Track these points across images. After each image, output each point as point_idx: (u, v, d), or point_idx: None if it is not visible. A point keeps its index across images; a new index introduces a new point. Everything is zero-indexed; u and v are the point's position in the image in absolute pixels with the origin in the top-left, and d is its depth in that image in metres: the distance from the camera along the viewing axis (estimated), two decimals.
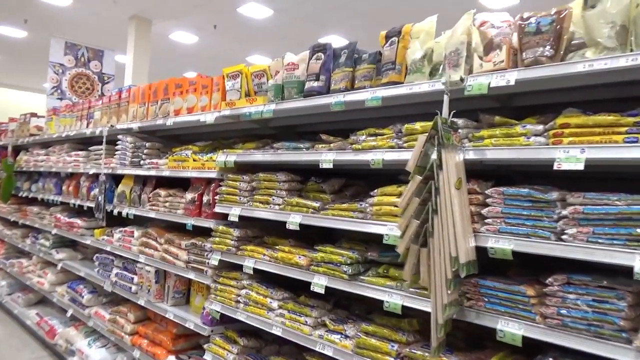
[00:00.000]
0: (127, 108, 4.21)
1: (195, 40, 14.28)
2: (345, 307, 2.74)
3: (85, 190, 4.69)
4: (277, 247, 2.79)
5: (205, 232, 3.32)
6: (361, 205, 2.33)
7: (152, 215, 3.71)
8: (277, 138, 3.16)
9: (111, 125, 4.29)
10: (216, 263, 3.04)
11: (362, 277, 2.30)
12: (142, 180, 4.03)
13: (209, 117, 3.21)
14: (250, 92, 3.07)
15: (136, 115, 4.05)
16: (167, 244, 3.57)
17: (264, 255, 2.77)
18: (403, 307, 2.07)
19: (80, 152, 4.92)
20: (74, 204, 4.93)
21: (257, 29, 13.02)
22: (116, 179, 4.36)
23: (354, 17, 11.55)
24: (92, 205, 4.50)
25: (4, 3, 12.23)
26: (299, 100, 2.62)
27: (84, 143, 5.41)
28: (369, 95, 2.27)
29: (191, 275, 3.26)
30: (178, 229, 3.73)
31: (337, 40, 13.03)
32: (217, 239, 3.05)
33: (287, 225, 2.60)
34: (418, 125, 2.10)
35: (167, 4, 11.51)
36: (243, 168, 3.02)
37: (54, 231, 5.23)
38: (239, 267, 2.96)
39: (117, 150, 4.23)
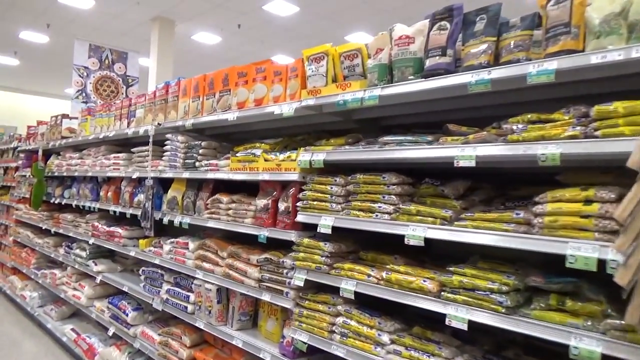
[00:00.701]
0: (176, 103, 3.65)
1: (219, 40, 13.79)
2: (469, 339, 2.14)
3: (127, 196, 4.15)
4: (386, 265, 2.20)
5: (281, 245, 2.75)
6: (518, 215, 1.73)
7: (210, 224, 3.15)
8: (359, 133, 2.58)
9: (158, 124, 3.74)
10: (301, 283, 2.46)
11: (524, 311, 1.70)
12: (196, 185, 3.47)
13: (286, 109, 2.64)
14: (338, 77, 2.49)
15: (188, 110, 3.49)
16: (232, 258, 3.00)
17: (369, 275, 2.18)
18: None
19: (120, 154, 4.38)
20: (114, 212, 4.38)
21: (282, 28, 12.49)
22: (164, 183, 3.80)
23: (376, 14, 10.95)
24: (136, 212, 3.96)
25: (26, 7, 11.82)
26: (418, 82, 2.03)
27: (123, 145, 4.88)
28: (532, 70, 1.67)
29: (266, 297, 2.68)
30: (241, 240, 3.16)
31: (363, 38, 12.47)
32: (301, 254, 2.47)
33: (405, 240, 2.01)
34: (618, 107, 1.50)
35: (190, 3, 11.03)
36: (328, 169, 2.45)
37: (91, 241, 4.70)
38: (329, 289, 2.39)
39: (165, 151, 3.67)
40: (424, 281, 1.98)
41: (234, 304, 3.05)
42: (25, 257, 6.49)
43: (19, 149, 7.21)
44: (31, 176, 6.21)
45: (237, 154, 3.03)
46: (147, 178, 3.77)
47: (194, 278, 3.30)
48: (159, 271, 3.70)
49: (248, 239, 3.15)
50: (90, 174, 4.85)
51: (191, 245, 3.36)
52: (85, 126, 5.13)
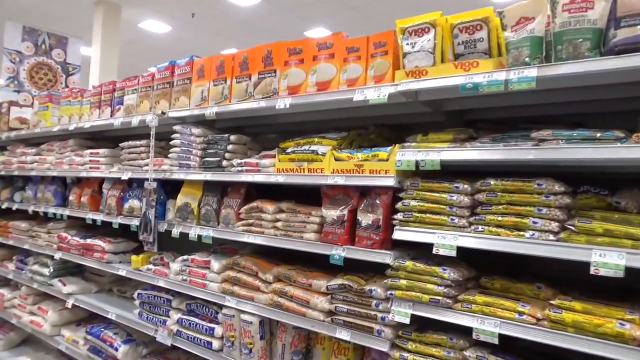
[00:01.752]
0: (187, 87, 2.91)
1: (168, 29, 12.70)
2: None
3: (113, 202, 3.32)
4: (536, 298, 1.67)
5: (356, 267, 2.14)
6: None
7: (247, 239, 2.47)
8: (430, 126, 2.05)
9: (162, 112, 2.97)
10: (406, 320, 1.86)
11: None
12: (219, 189, 2.75)
13: (372, 94, 2.03)
14: (445, 55, 1.92)
15: (207, 96, 2.77)
16: (282, 283, 2.35)
17: (521, 313, 1.63)
18: None
19: (99, 150, 3.53)
20: (93, 220, 3.52)
21: (239, 19, 11.68)
22: (165, 187, 3.04)
23: (342, 11, 10.47)
24: (126, 222, 3.16)
25: None
26: (607, 60, 1.50)
27: (94, 139, 4.00)
28: None
29: (343, 335, 2.06)
30: (287, 259, 2.51)
31: (323, 33, 11.94)
32: (403, 281, 1.88)
33: (592, 268, 1.48)
34: None
35: None
36: (435, 173, 1.89)
37: (58, 255, 3.79)
38: (437, 324, 1.83)
39: (172, 147, 2.92)
40: (621, 324, 1.46)
41: (283, 340, 2.38)
42: None
43: None
44: None
45: (285, 152, 2.37)
46: (146, 180, 2.99)
47: (221, 306, 2.60)
48: (164, 295, 2.93)
49: (295, 258, 2.51)
50: (54, 173, 3.92)
51: (215, 265, 2.65)
52: (46, 115, 4.18)
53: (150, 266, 3.05)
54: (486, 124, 2.10)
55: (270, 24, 11.79)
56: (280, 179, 2.33)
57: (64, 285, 3.72)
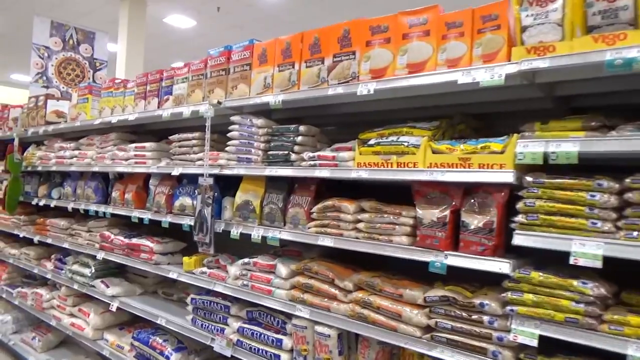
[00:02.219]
0: (247, 74, 2.63)
1: (193, 24, 12.47)
2: None
3: (162, 199, 3.07)
4: None
5: (452, 276, 1.85)
6: None
7: (323, 242, 2.18)
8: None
9: (218, 102, 2.70)
10: (532, 342, 1.56)
11: None
12: (284, 186, 2.48)
13: (483, 76, 1.72)
14: (575, 28, 1.60)
15: (272, 83, 2.49)
16: (364, 292, 2.06)
17: None
18: None
19: (145, 144, 3.28)
20: (140, 219, 3.27)
21: (265, 13, 11.41)
22: (218, 183, 2.78)
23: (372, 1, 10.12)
24: (177, 221, 2.91)
25: None
26: None
27: (136, 132, 3.76)
28: None
29: (446, 356, 1.76)
30: (358, 264, 2.22)
31: None
32: (528, 295, 1.58)
33: None
34: None
35: None
36: (559, 168, 1.58)
37: (100, 255, 3.56)
38: (563, 347, 1.52)
39: (230, 140, 2.65)
40: None
41: (366, 356, 2.10)
42: None
43: None
44: (4, 172, 4.91)
45: (369, 144, 2.08)
46: (200, 176, 2.72)
47: (289, 316, 2.32)
48: (221, 301, 2.67)
49: (359, 263, 2.23)
50: (95, 169, 3.69)
51: (282, 270, 2.37)
52: (85, 108, 3.95)
53: (205, 269, 2.78)
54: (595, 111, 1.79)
55: (295, 17, 11.48)
56: (363, 174, 2.04)
57: (107, 286, 3.49)
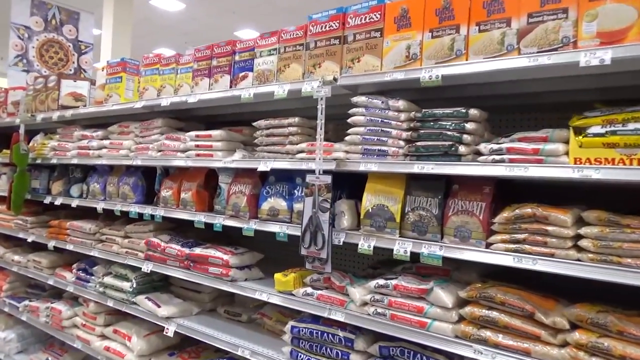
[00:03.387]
0: (376, 42, 2.01)
1: (182, 7, 11.60)
2: None
3: (243, 201, 2.41)
4: None
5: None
6: None
7: (520, 263, 1.60)
8: None
9: (334, 78, 2.06)
10: None
11: None
12: (439, 187, 1.88)
13: None
14: None
15: (420, 53, 1.88)
16: (588, 332, 1.49)
17: None
18: None
19: (212, 132, 2.60)
20: (206, 223, 2.60)
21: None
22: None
23: None
24: (259, 227, 2.27)
25: None
26: None
27: (181, 119, 3.08)
28: None
29: None
30: (530, 286, 1.67)
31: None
32: None
33: None
34: None
35: None
36: None
37: (147, 267, 2.87)
38: None
39: (355, 127, 2.03)
40: None
41: None
42: None
43: None
44: (8, 165, 4.10)
45: (593, 132, 1.50)
46: (310, 172, 2.09)
47: (452, 356, 1.74)
48: (339, 333, 2.05)
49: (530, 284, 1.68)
50: (137, 162, 2.98)
51: (443, 296, 1.78)
52: (119, 89, 3.21)
53: (310, 290, 2.16)
54: None
55: (292, 2, 10.76)
56: (592, 174, 1.46)
57: (157, 305, 2.81)
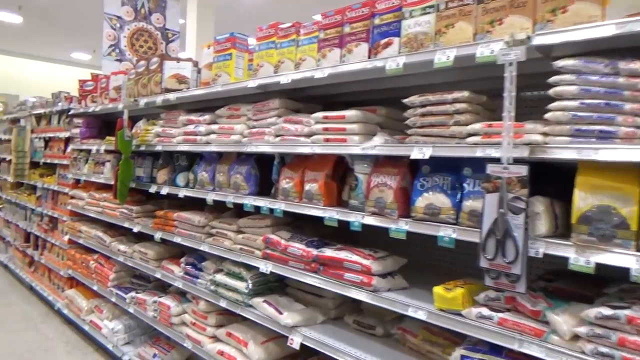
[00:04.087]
0: None
1: None
2: None
3: (390, 196, 1.96)
4: None
5: None
6: None
7: None
8: None
9: (527, 37, 1.53)
10: None
11: None
12: None
13: None
14: None
15: None
16: None
17: None
18: None
19: (346, 113, 2.17)
20: (345, 221, 2.18)
21: None
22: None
23: None
24: (412, 229, 1.81)
25: None
26: None
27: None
28: None
29: None
30: None
31: None
32: None
33: None
34: None
35: None
36: None
37: (266, 267, 2.52)
38: None
39: (560, 100, 1.49)
40: None
41: None
42: (95, 268, 4.27)
43: (71, 112, 4.87)
44: (114, 154, 3.97)
45: None
46: (494, 161, 1.59)
47: None
48: None
49: None
50: (252, 148, 2.62)
51: None
52: (228, 68, 2.86)
53: (486, 311, 1.67)
54: None
55: None
56: None
57: (279, 312, 2.46)
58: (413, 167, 2.03)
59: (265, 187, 2.79)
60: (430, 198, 1.86)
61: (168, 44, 8.71)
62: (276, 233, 2.57)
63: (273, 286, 2.79)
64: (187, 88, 3.39)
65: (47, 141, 5.59)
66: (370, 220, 2.04)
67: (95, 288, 4.27)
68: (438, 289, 1.83)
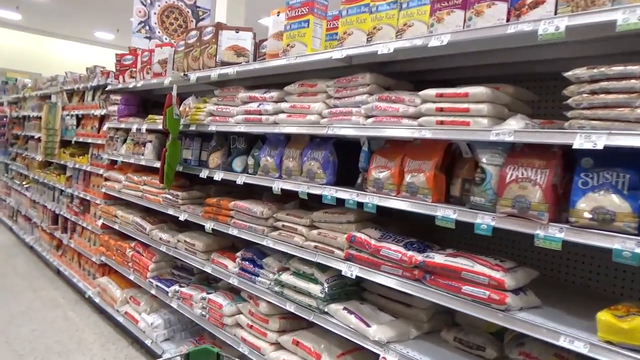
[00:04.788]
0: None
1: None
2: None
3: (538, 193, 1.55)
4: None
5: None
6: None
7: None
8: None
9: None
10: None
11: None
12: None
13: None
14: None
15: None
16: None
17: None
18: None
19: (470, 90, 1.75)
20: (454, 219, 1.78)
21: None
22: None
23: None
24: (579, 238, 1.40)
25: None
26: None
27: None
28: None
29: None
30: None
31: None
32: None
33: None
34: None
35: None
36: None
37: (351, 271, 2.13)
38: None
39: None
40: None
41: None
42: (132, 257, 3.92)
43: (109, 88, 4.50)
44: (162, 134, 3.60)
45: None
46: None
47: None
48: None
49: None
50: (336, 131, 2.22)
51: None
52: (304, 37, 2.44)
53: None
54: None
55: None
56: None
57: (365, 323, 2.07)
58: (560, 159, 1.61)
59: (341, 175, 2.39)
60: (599, 199, 1.45)
61: (198, 22, 8.31)
62: (362, 231, 2.18)
63: (350, 290, 2.40)
64: (245, 61, 2.99)
65: (80, 119, 5.23)
66: (505, 224, 1.63)
67: (131, 278, 3.93)
68: (606, 316, 1.42)
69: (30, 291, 5.11)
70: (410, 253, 1.94)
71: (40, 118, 6.09)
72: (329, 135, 2.32)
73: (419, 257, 1.90)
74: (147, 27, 7.94)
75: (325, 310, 2.28)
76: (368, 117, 2.14)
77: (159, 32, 7.90)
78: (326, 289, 2.29)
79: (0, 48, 15.28)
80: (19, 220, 7.51)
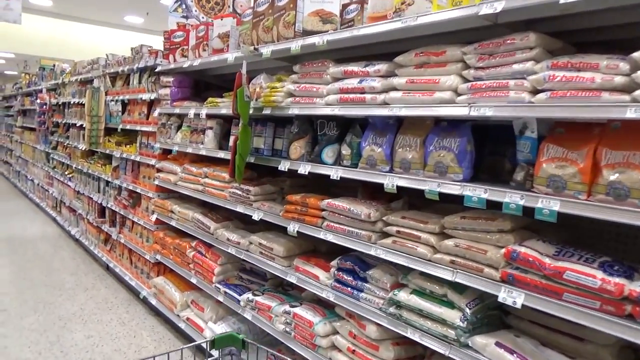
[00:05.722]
0: None
1: None
2: None
3: None
4: None
5: None
6: None
7: None
8: None
9: None
10: None
11: None
12: None
13: None
14: None
15: None
16: None
17: None
18: None
19: None
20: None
21: None
22: None
23: None
24: None
25: None
26: None
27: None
28: None
29: None
30: None
31: None
32: None
33: None
34: None
35: None
36: None
37: (514, 299, 1.58)
38: None
39: None
40: None
41: None
42: (194, 258, 3.47)
43: (159, 69, 4.01)
44: (214, 117, 3.10)
45: None
46: None
47: None
48: None
49: None
50: (480, 112, 1.66)
51: None
52: None
53: None
54: None
55: None
56: None
57: None
58: None
59: (477, 169, 1.84)
60: None
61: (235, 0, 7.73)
62: (525, 244, 1.63)
63: (492, 315, 1.87)
64: (333, 30, 2.42)
65: (125, 104, 4.79)
66: None
67: (193, 281, 3.49)
68: None
69: (81, 290, 4.77)
70: (615, 279, 1.38)
71: (81, 104, 5.68)
72: (470, 118, 1.76)
73: (634, 287, 1.34)
74: (184, 6, 7.40)
75: (467, 342, 1.76)
76: (536, 92, 1.56)
77: (195, 11, 7.36)
78: (468, 317, 1.76)
79: (32, 35, 15.05)
80: (62, 211, 7.22)
